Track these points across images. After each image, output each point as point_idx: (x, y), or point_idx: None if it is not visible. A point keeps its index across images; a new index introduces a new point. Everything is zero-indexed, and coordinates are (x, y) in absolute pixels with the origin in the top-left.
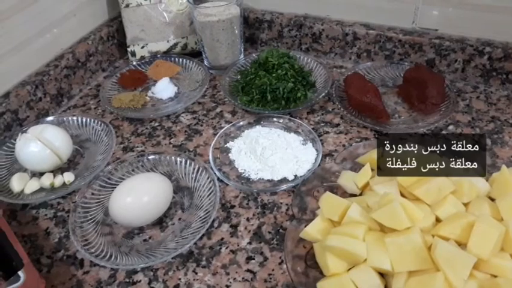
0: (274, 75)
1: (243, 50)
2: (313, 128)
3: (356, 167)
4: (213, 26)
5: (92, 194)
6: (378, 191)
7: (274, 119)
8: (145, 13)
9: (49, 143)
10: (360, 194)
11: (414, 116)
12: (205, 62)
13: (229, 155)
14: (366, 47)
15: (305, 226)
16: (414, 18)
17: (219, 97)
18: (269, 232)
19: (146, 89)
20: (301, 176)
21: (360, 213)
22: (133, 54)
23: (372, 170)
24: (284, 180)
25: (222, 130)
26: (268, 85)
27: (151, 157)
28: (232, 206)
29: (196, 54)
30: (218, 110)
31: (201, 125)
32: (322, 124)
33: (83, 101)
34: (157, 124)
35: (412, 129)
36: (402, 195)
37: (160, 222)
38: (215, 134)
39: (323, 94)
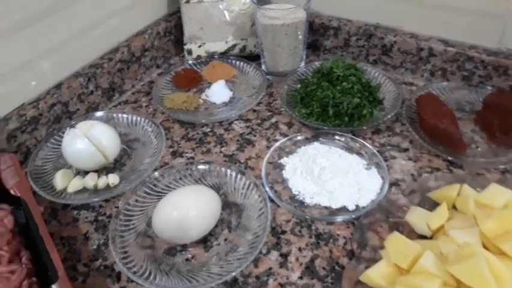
0: (338, 88)
1: (304, 57)
2: (378, 151)
3: (426, 203)
4: (276, 30)
5: (136, 200)
6: (455, 237)
7: (336, 137)
8: (206, 10)
9: (97, 141)
10: (431, 237)
11: (494, 149)
12: (263, 67)
13: (283, 172)
14: (442, 65)
15: (365, 266)
16: (501, 37)
17: (275, 106)
18: (323, 268)
19: (200, 90)
20: (363, 207)
21: (434, 264)
22: (190, 52)
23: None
24: (343, 209)
25: (277, 144)
26: (331, 98)
27: (200, 167)
28: (283, 232)
29: (254, 58)
30: (273, 120)
31: (254, 135)
32: (388, 147)
33: (135, 97)
34: (208, 130)
35: (492, 164)
36: (484, 246)
37: (204, 241)
38: (269, 147)
39: (392, 114)
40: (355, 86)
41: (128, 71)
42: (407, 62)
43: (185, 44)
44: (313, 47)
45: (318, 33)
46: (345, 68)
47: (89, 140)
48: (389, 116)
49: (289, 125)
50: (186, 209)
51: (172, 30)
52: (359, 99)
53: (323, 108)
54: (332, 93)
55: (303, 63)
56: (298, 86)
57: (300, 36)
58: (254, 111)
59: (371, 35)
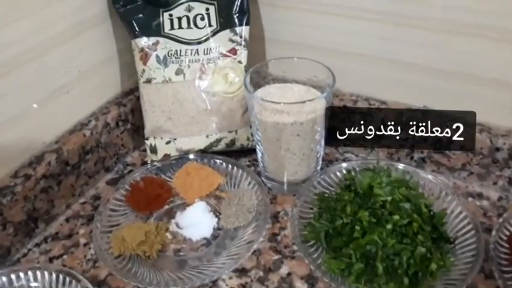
0: (388, 226)
1: (321, 160)
2: None
3: None
4: (284, 130)
5: None
6: None
7: None
8: (176, 94)
9: None
10: None
11: None
12: (261, 169)
13: None
14: None
15: None
16: None
17: (285, 241)
18: None
19: (168, 214)
20: None
21: None
22: (153, 150)
23: None
24: None
25: None
26: (381, 248)
27: None
28: None
29: (247, 152)
30: (284, 270)
31: None
32: None
33: (70, 226)
34: None
35: None
36: None
37: None
38: None
39: (476, 267)
40: (414, 221)
41: (58, 188)
42: (473, 164)
43: (146, 139)
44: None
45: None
46: (392, 187)
47: None
48: (473, 273)
49: (310, 280)
50: None
51: (128, 116)
52: (424, 246)
53: (366, 261)
54: (381, 237)
55: (319, 166)
56: (317, 208)
57: (317, 135)
58: (253, 252)
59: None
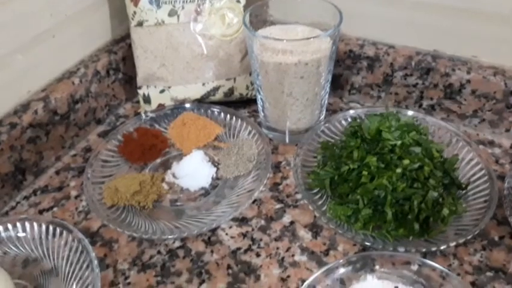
0: (398, 170)
1: (325, 107)
2: (473, 284)
3: None
4: (287, 71)
5: None
6: None
7: (398, 261)
8: (169, 38)
9: None
10: None
11: None
12: (261, 118)
13: None
14: None
15: None
16: None
17: (287, 190)
18: None
19: (164, 165)
20: None
21: None
22: (147, 100)
23: None
24: None
25: (305, 284)
26: (390, 192)
27: None
28: None
29: (246, 103)
30: (286, 219)
31: (258, 255)
32: (488, 272)
33: (60, 178)
34: (178, 244)
35: None
36: None
37: None
38: (284, 280)
39: (490, 214)
40: (426, 166)
41: (47, 139)
42: (485, 110)
43: (139, 88)
44: (334, 83)
45: (342, 64)
46: (402, 131)
47: None
48: (485, 219)
49: (314, 228)
50: None
51: (120, 65)
52: (436, 190)
53: (374, 206)
54: (390, 181)
55: (323, 116)
56: (321, 156)
57: (323, 79)
58: (254, 201)
59: (428, 69)
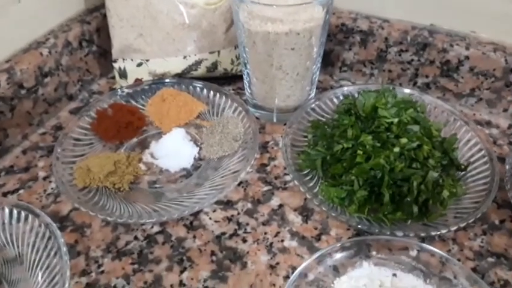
0: (396, 150)
1: (316, 84)
2: (474, 270)
3: None
4: (276, 42)
5: None
6: None
7: (395, 246)
8: (147, 5)
9: None
10: None
11: None
12: (247, 95)
13: None
14: None
15: None
16: None
17: (275, 171)
18: None
19: (141, 144)
20: None
21: None
22: (123, 75)
23: None
24: None
25: (296, 273)
26: (387, 173)
27: None
28: None
29: (230, 79)
30: (274, 201)
31: (244, 241)
32: (489, 257)
33: (27, 158)
34: (157, 229)
35: None
36: None
37: None
38: (273, 267)
39: (491, 196)
40: (425, 144)
41: (12, 115)
42: (482, 88)
43: (114, 61)
44: (324, 60)
45: (334, 39)
46: (399, 108)
47: None
48: (488, 202)
49: (305, 212)
50: None
51: (93, 37)
52: (436, 171)
53: (370, 188)
54: (388, 161)
55: (313, 93)
56: (312, 136)
57: (314, 52)
58: (239, 184)
59: (424, 44)
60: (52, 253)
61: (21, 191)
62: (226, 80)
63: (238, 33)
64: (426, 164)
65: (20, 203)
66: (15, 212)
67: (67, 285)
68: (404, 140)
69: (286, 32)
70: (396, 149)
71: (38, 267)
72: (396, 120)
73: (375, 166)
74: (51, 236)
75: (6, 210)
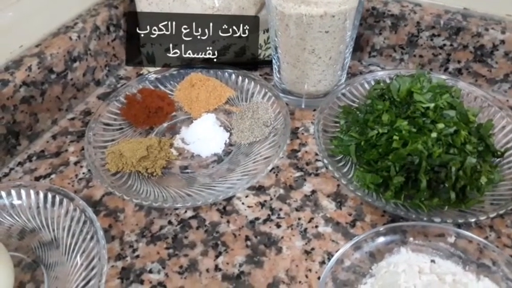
0: (433, 135)
1: (347, 68)
2: None
3: None
4: (310, 25)
5: None
6: None
7: (432, 233)
8: None
9: None
10: None
11: None
12: (276, 80)
13: None
14: None
15: None
16: None
17: (306, 158)
18: None
19: (171, 130)
20: None
21: None
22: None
23: None
24: None
25: (333, 259)
26: (425, 158)
27: None
28: None
29: (256, 66)
30: (307, 188)
31: (278, 226)
32: None
33: (57, 143)
34: (190, 214)
35: None
36: None
37: None
38: (308, 253)
39: None
40: (462, 130)
41: (42, 99)
42: None
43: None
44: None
45: (364, 23)
46: (435, 93)
47: None
48: None
49: (338, 198)
50: None
51: (121, 21)
52: (474, 157)
53: (407, 174)
54: (426, 147)
55: (344, 78)
56: (344, 121)
57: (347, 36)
58: (272, 170)
59: (458, 29)
60: (88, 237)
61: (53, 176)
62: (253, 66)
63: (270, 17)
64: (463, 149)
65: (53, 186)
66: (49, 196)
67: (105, 269)
68: (441, 125)
69: (321, 15)
70: (434, 134)
71: (75, 251)
72: (432, 105)
73: (412, 152)
74: (87, 220)
75: (41, 194)
